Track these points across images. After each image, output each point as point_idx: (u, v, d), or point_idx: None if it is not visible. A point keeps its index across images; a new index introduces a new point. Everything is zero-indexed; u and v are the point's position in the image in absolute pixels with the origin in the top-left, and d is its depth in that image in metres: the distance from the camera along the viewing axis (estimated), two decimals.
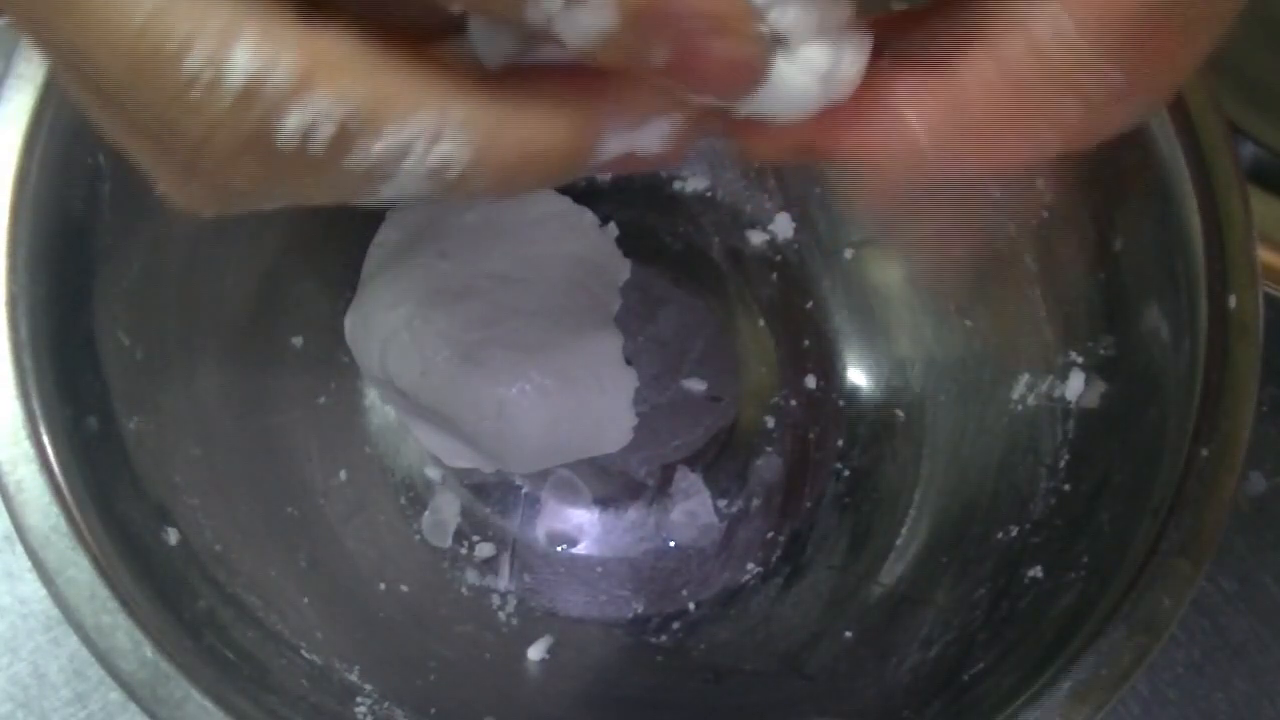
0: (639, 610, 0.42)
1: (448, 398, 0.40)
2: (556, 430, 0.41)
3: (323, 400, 0.42)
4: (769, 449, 0.44)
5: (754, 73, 0.18)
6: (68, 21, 0.16)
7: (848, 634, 0.38)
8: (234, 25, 0.15)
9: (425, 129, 0.17)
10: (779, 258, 0.45)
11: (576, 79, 0.18)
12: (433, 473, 0.43)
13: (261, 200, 0.18)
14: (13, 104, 0.31)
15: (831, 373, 0.44)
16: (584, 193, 0.45)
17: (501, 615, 0.41)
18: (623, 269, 0.44)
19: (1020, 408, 0.38)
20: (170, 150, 0.17)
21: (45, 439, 0.29)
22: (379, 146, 0.16)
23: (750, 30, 0.17)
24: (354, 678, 0.34)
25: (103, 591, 0.28)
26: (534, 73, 0.18)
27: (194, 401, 0.36)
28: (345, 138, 0.16)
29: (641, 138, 0.19)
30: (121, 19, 0.15)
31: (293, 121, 0.16)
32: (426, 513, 0.42)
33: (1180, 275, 0.33)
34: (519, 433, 0.40)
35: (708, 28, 0.16)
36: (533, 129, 0.18)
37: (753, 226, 0.45)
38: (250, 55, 0.15)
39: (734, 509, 0.43)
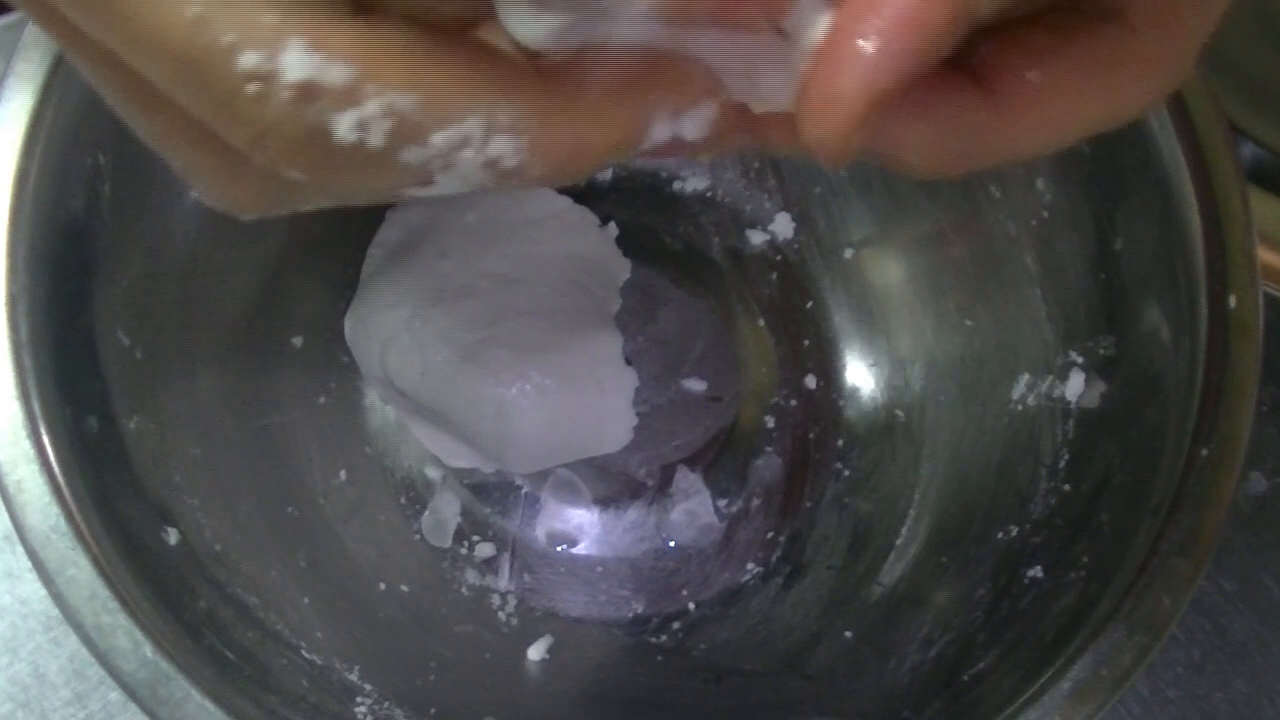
0: (639, 610, 0.42)
1: (448, 398, 0.40)
2: (556, 430, 0.41)
3: (323, 400, 0.42)
4: (769, 449, 0.44)
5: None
6: (115, 21, 0.16)
7: (848, 634, 0.38)
8: (287, 23, 0.15)
9: (480, 124, 0.16)
10: (779, 258, 0.45)
11: (627, 67, 0.18)
12: (433, 473, 0.43)
13: (309, 199, 0.18)
14: (13, 104, 0.31)
15: (831, 373, 0.44)
16: (584, 193, 0.45)
17: (501, 615, 0.41)
18: (623, 269, 0.44)
19: (1020, 408, 0.38)
20: (220, 149, 0.17)
21: (45, 439, 0.29)
22: (436, 140, 0.16)
23: None
24: (354, 678, 0.34)
25: (103, 591, 0.28)
26: (584, 61, 0.18)
27: (194, 401, 0.36)
28: (402, 133, 0.16)
29: (686, 124, 0.19)
30: (173, 16, 0.15)
31: (349, 118, 0.16)
32: (426, 513, 0.42)
33: (1180, 275, 0.33)
34: (519, 433, 0.40)
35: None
36: (586, 121, 0.17)
37: (753, 226, 0.45)
38: (304, 53, 0.15)
39: (734, 509, 0.43)
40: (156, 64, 0.16)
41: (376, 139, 0.16)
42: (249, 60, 0.15)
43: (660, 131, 0.19)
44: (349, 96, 0.16)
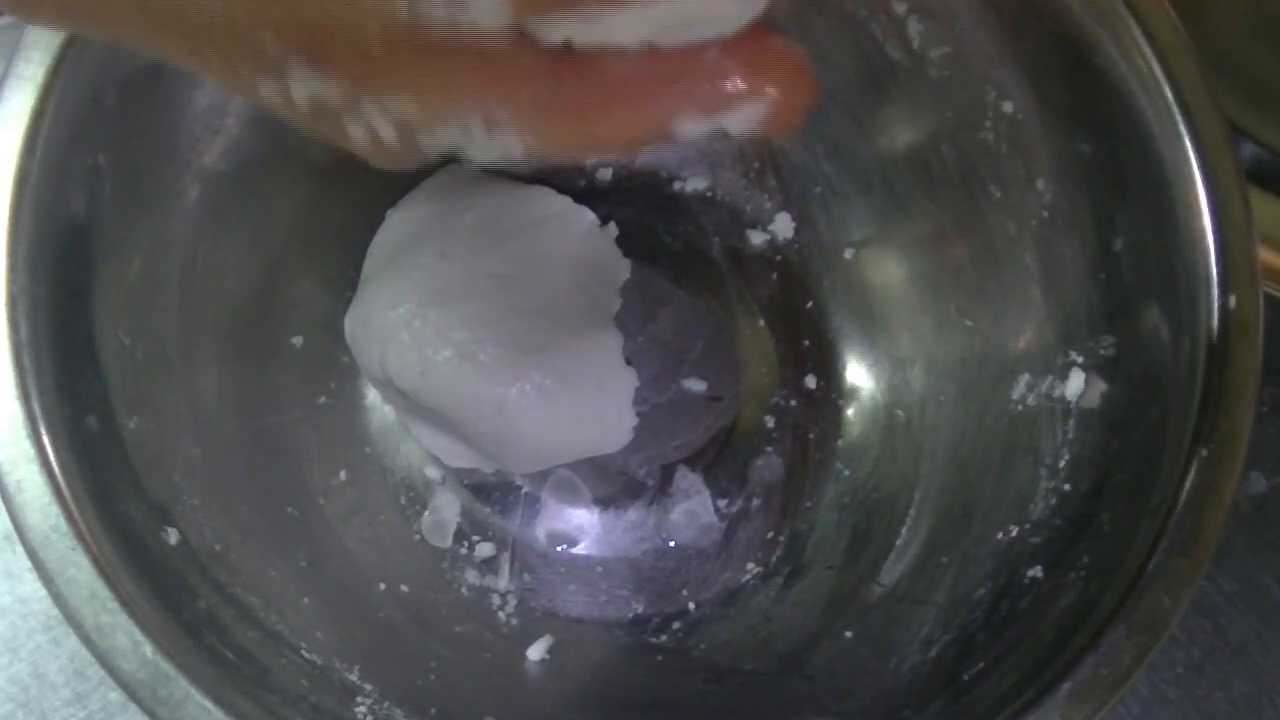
0: (639, 610, 0.42)
1: (448, 398, 0.40)
2: (556, 430, 0.41)
3: (323, 400, 0.42)
4: (769, 449, 0.44)
5: None
6: None
7: (848, 634, 0.38)
8: None
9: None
10: (779, 258, 0.45)
11: (645, 65, 0.18)
12: (433, 473, 0.43)
13: (431, 122, 0.19)
14: (13, 104, 0.31)
15: (831, 373, 0.44)
16: (584, 193, 0.45)
17: (501, 615, 0.41)
18: (623, 269, 0.44)
19: (1020, 408, 0.38)
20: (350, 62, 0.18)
21: (45, 439, 0.29)
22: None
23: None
24: (354, 678, 0.34)
25: (103, 591, 0.28)
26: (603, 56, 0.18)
27: (194, 401, 0.36)
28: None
29: (727, 121, 0.19)
30: None
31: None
32: (426, 513, 0.42)
33: (1180, 275, 0.33)
34: (519, 433, 0.40)
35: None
36: (594, 111, 0.18)
37: (753, 226, 0.45)
38: None
39: (734, 509, 0.43)
40: None
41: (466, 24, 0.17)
42: None
43: (694, 127, 0.19)
44: None
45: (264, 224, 0.39)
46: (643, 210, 0.45)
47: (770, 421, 0.44)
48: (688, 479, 0.43)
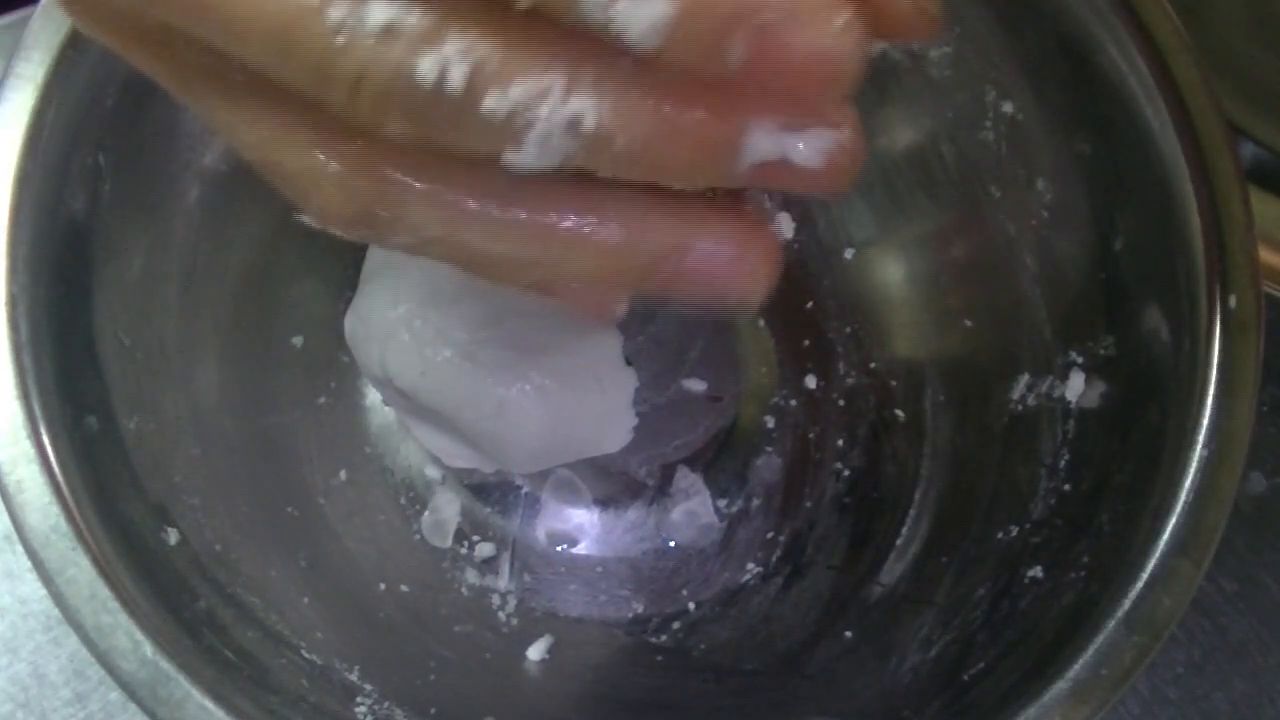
0: (639, 610, 0.42)
1: (448, 398, 0.40)
2: (556, 430, 0.41)
3: (323, 400, 0.42)
4: (769, 449, 0.44)
5: (841, 71, 0.17)
6: (211, 9, 0.17)
7: (848, 634, 0.38)
8: None
9: (557, 83, 0.17)
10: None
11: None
12: (433, 473, 0.43)
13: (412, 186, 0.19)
14: (13, 104, 0.31)
15: (831, 373, 0.44)
16: None
17: (501, 615, 0.41)
18: None
19: (1020, 408, 0.38)
20: (321, 111, 0.18)
21: (45, 439, 0.29)
22: (515, 91, 0.17)
23: (835, 16, 0.16)
24: (354, 678, 0.34)
25: (103, 591, 0.28)
26: None
27: (194, 401, 0.36)
28: (480, 78, 0.17)
29: (797, 144, 0.18)
30: None
31: (430, 60, 0.17)
32: (426, 513, 0.42)
33: (1180, 275, 0.33)
34: (519, 433, 0.40)
35: (786, 15, 0.16)
36: (671, 101, 0.17)
37: None
38: (385, 5, 0.17)
39: (734, 509, 0.43)
40: (252, 37, 0.17)
41: (456, 81, 0.17)
42: (336, 14, 0.17)
43: (766, 144, 0.18)
44: (428, 39, 0.17)
45: (264, 224, 0.39)
46: None
47: (770, 421, 0.44)
48: (688, 479, 0.43)
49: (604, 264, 0.19)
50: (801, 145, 0.18)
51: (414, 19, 0.17)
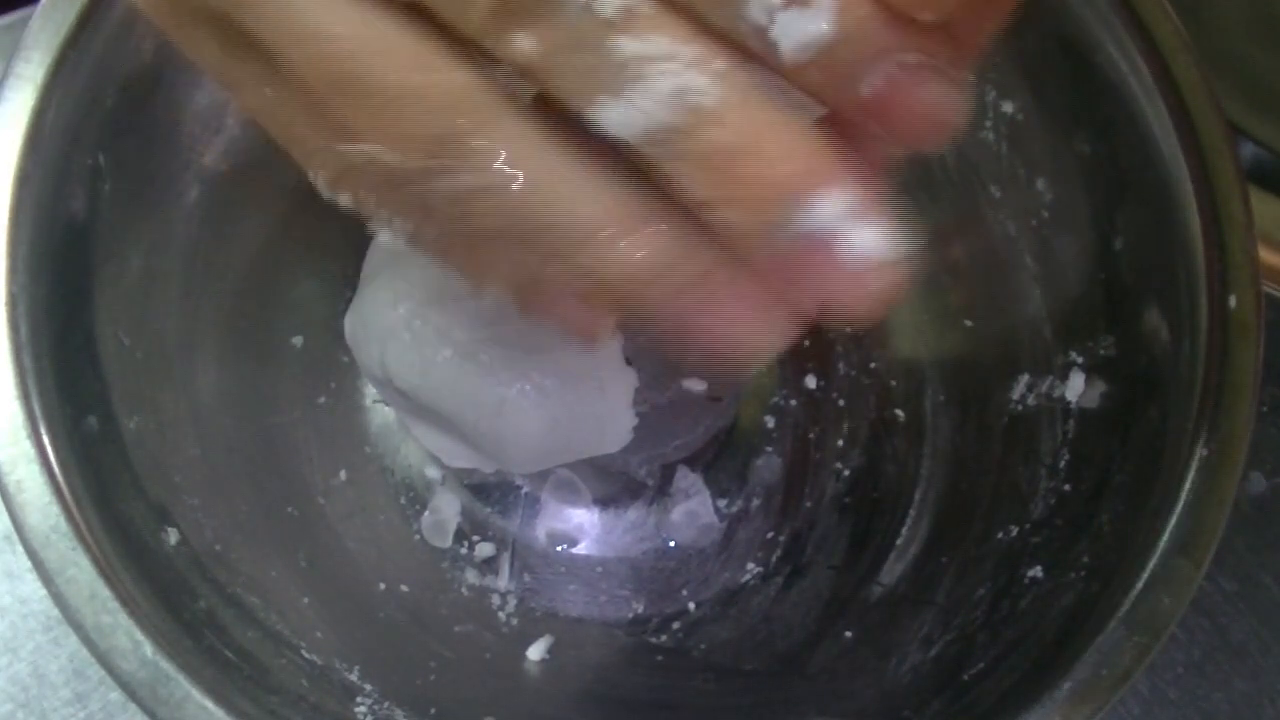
0: (639, 610, 0.42)
1: (448, 398, 0.40)
2: (556, 430, 0.41)
3: (323, 400, 0.42)
4: (769, 449, 0.44)
5: (951, 125, 0.17)
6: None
7: (848, 634, 0.38)
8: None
9: (690, 52, 0.17)
10: None
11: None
12: (433, 473, 0.42)
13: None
14: (13, 104, 0.31)
15: (831, 373, 0.44)
16: None
17: (501, 615, 0.41)
18: None
19: (1020, 408, 0.38)
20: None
21: (45, 439, 0.29)
22: (650, 42, 0.17)
23: (963, 75, 0.17)
24: (354, 678, 0.34)
25: (103, 591, 0.28)
26: None
27: (194, 401, 0.36)
28: (627, 19, 0.17)
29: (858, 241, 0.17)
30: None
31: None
32: (426, 513, 0.42)
33: (1180, 275, 0.33)
34: (519, 433, 0.40)
35: (923, 64, 0.16)
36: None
37: None
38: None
39: (734, 509, 0.43)
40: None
41: (605, 10, 0.16)
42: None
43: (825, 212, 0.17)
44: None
45: (264, 224, 0.39)
46: None
47: (770, 421, 0.44)
48: (688, 479, 0.43)
49: (628, 272, 0.18)
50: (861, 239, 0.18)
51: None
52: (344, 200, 0.20)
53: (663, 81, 0.17)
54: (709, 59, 0.17)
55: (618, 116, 0.17)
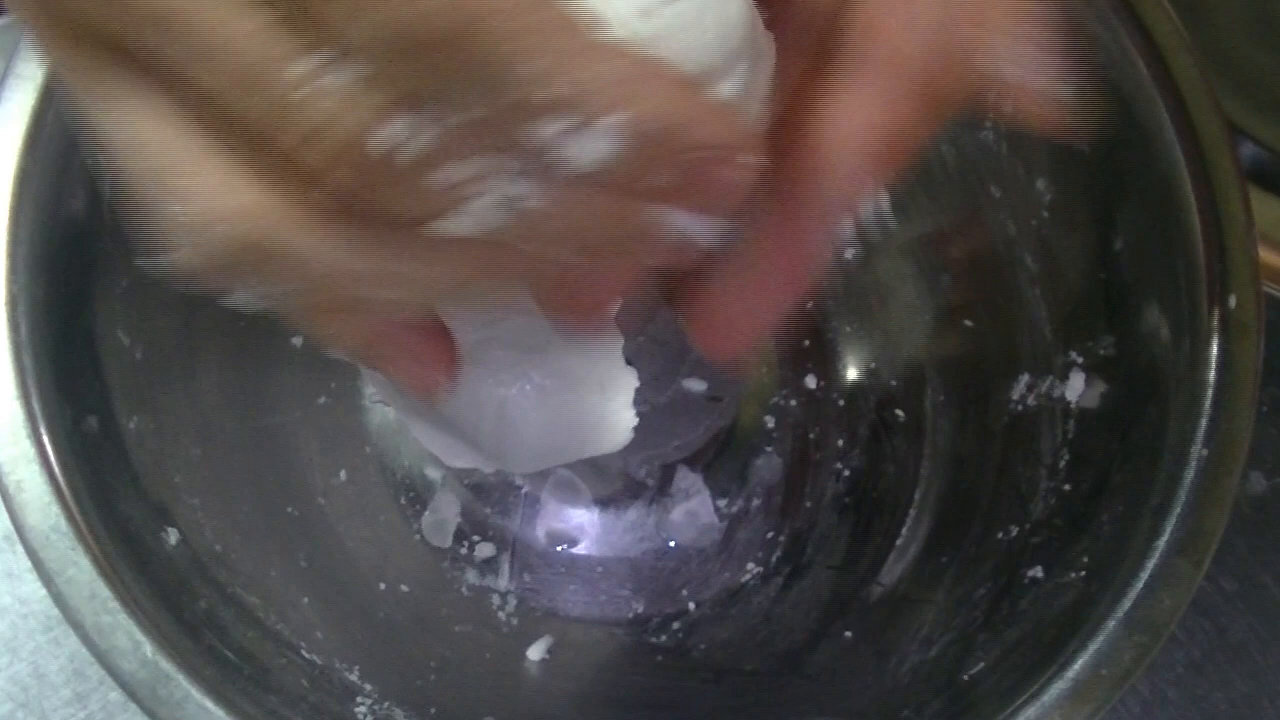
0: (639, 610, 0.42)
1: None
2: (556, 430, 0.41)
3: (323, 400, 0.42)
4: (769, 449, 0.44)
5: (743, 193, 0.18)
6: (178, 37, 0.17)
7: (848, 634, 0.38)
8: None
9: (506, 167, 0.17)
10: None
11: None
12: (433, 473, 0.42)
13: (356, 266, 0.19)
14: (13, 104, 0.31)
15: (831, 373, 0.44)
16: None
17: (501, 615, 0.41)
18: None
19: (1020, 408, 0.38)
20: (271, 155, 0.17)
21: (45, 439, 0.29)
22: (463, 172, 0.17)
23: (754, 155, 0.17)
24: (354, 678, 0.34)
25: (103, 591, 0.28)
26: None
27: (194, 401, 0.36)
28: (432, 157, 0.17)
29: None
30: (233, 30, 0.17)
31: (384, 134, 0.16)
32: (426, 513, 0.42)
33: (1180, 275, 0.33)
34: (519, 432, 0.40)
35: (718, 157, 0.17)
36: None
37: None
38: (350, 67, 0.16)
39: (734, 509, 0.43)
40: (214, 65, 0.17)
41: (407, 156, 0.17)
42: (301, 68, 0.16)
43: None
44: (382, 117, 0.16)
45: None
46: None
47: (770, 421, 0.44)
48: (688, 479, 0.43)
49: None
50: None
51: (378, 95, 0.16)
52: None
53: (490, 197, 0.17)
54: (527, 166, 0.17)
55: (454, 227, 0.18)
